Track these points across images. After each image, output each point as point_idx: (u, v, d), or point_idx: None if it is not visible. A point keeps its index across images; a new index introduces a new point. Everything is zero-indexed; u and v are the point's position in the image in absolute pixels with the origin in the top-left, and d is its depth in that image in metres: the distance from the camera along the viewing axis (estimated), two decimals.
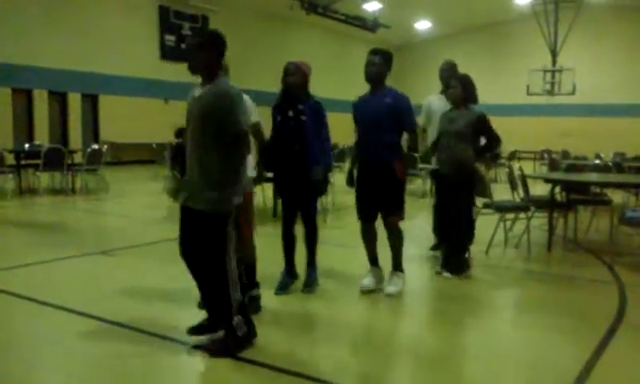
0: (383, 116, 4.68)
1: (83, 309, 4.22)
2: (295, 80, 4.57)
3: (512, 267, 6.18)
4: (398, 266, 4.92)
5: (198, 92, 3.54)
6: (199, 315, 3.78)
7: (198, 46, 3.53)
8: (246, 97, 3.85)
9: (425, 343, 3.94)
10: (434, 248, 6.21)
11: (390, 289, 4.79)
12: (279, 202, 5.48)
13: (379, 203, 4.80)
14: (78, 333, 3.81)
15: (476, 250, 6.27)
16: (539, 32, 22.10)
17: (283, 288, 4.72)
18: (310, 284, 4.79)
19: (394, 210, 4.77)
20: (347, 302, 4.68)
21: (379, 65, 4.72)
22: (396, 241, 4.87)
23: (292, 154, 4.61)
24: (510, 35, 27.35)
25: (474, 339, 4.06)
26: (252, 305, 4.11)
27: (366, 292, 4.81)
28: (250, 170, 4.23)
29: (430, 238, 6.36)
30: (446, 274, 5.36)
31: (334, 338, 3.89)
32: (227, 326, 3.50)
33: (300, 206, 4.75)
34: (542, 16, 21.76)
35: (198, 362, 3.47)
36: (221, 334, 3.56)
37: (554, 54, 22.42)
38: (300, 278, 4.87)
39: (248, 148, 3.64)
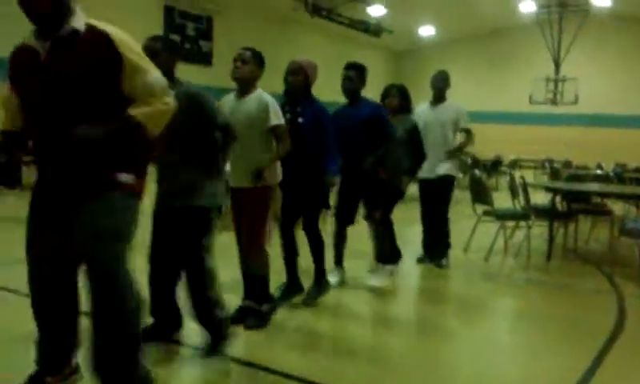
0: (360, 127, 4.82)
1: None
2: (295, 80, 4.31)
3: (511, 275, 6.17)
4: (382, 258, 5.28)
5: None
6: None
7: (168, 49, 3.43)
8: (271, 99, 3.84)
9: (419, 351, 3.92)
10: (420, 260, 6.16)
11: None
12: None
13: (361, 203, 5.11)
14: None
15: (476, 257, 6.27)
16: (543, 41, 22.10)
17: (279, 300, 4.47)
18: (308, 299, 4.53)
19: (373, 208, 5.11)
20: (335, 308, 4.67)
21: (354, 79, 4.91)
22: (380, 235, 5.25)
23: (289, 158, 4.26)
24: (513, 43, 27.32)
25: (471, 347, 4.04)
26: (259, 321, 3.94)
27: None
28: (278, 173, 4.03)
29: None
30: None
31: (333, 348, 3.88)
32: (214, 326, 3.45)
33: (299, 215, 4.51)
34: (545, 25, 21.76)
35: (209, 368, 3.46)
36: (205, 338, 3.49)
37: (557, 63, 22.42)
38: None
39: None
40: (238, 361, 3.48)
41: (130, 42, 2.54)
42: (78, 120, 2.45)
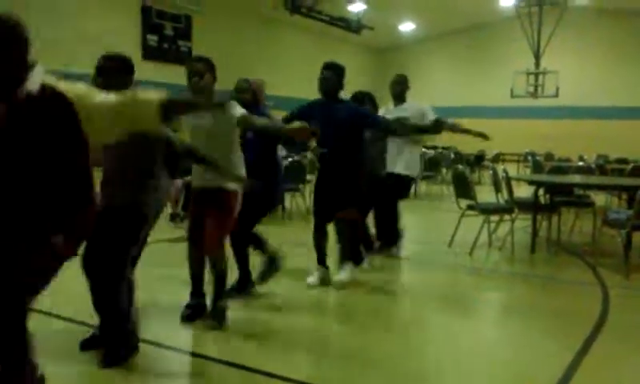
0: (338, 129, 4.86)
1: (76, 316, 4.10)
2: (242, 98, 4.41)
3: (496, 269, 6.16)
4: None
5: None
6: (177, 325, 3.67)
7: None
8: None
9: (403, 345, 3.88)
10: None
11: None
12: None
13: (336, 201, 4.98)
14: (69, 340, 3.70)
15: (460, 251, 6.25)
16: (523, 34, 22.23)
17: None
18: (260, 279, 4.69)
19: (348, 206, 5.00)
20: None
21: (330, 80, 4.94)
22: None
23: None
24: (494, 37, 27.47)
25: (457, 341, 4.00)
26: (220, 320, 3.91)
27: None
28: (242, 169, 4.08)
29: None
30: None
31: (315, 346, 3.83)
32: (118, 332, 3.33)
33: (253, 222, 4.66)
34: (525, 18, 21.88)
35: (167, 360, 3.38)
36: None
37: (538, 56, 22.56)
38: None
39: None
40: (219, 361, 3.42)
41: (81, 91, 2.40)
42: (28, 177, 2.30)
